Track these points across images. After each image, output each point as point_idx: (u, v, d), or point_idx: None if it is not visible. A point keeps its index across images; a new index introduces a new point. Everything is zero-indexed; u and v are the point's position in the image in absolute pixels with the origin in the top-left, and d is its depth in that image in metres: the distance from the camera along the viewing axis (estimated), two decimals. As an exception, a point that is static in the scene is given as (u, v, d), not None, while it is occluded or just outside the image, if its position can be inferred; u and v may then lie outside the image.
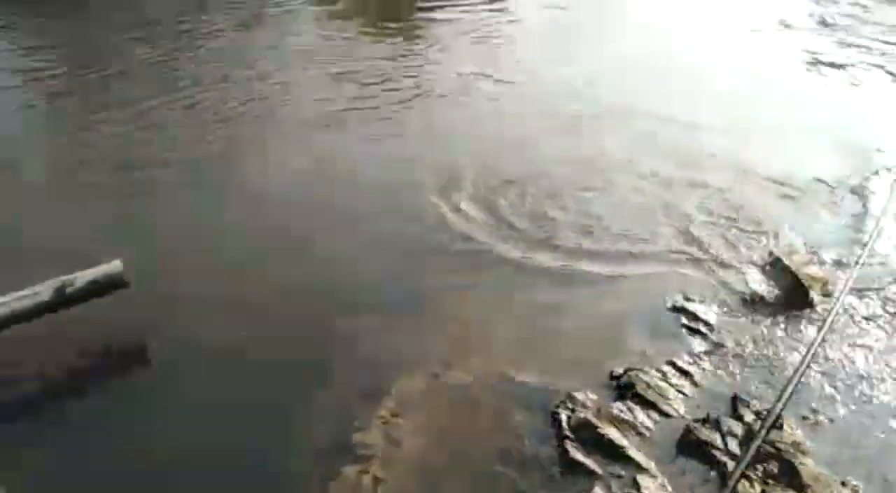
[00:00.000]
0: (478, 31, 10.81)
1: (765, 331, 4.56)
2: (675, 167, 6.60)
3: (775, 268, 4.93)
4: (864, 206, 6.06)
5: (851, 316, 4.68)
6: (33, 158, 6.72)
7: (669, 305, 4.82)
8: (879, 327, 4.59)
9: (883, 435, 3.77)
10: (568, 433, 3.71)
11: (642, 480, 3.46)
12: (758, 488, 3.45)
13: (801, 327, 4.57)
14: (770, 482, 3.48)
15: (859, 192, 6.27)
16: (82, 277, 3.89)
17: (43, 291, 3.77)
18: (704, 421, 3.83)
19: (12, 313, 3.65)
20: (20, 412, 3.74)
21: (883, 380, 4.16)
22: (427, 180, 6.31)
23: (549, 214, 5.84)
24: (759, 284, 4.97)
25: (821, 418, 3.89)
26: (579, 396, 3.95)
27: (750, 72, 9.22)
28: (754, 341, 4.48)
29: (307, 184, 6.31)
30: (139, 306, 4.29)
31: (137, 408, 3.76)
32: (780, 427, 3.74)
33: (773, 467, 3.55)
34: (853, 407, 3.96)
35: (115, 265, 4.03)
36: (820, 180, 6.39)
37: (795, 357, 4.27)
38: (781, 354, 4.36)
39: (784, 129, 7.49)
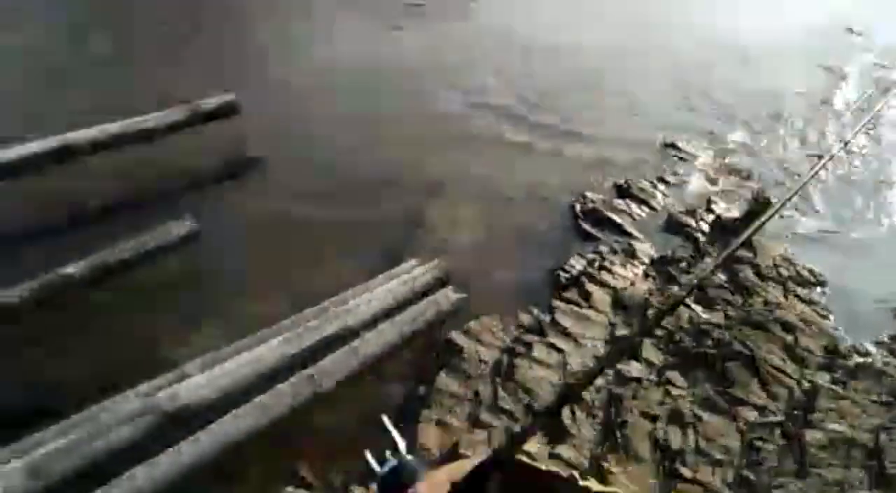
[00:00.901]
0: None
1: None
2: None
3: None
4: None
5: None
6: None
7: (661, 142, 6.03)
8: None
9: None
10: (580, 215, 4.99)
11: (636, 244, 4.75)
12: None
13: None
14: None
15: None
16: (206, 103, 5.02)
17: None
18: (685, 212, 5.11)
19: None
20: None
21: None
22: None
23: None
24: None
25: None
26: (590, 194, 5.20)
27: None
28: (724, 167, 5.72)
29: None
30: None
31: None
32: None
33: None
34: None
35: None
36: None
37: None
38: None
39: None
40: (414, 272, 3.73)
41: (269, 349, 3.11)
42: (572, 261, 4.47)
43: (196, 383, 2.94)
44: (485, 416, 3.32)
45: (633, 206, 5.15)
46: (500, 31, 8.22)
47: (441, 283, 3.73)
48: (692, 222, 4.99)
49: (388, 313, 3.42)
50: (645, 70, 7.45)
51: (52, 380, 3.20)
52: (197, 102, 4.90)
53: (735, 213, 5.07)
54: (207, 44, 7.17)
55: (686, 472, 3.07)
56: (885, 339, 4.07)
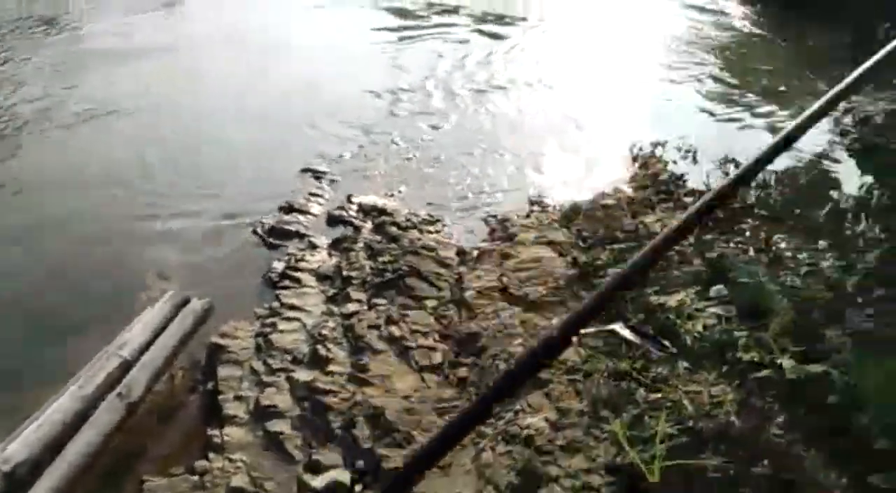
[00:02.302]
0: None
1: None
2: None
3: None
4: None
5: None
6: None
7: (300, 168, 7.57)
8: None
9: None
10: (263, 236, 6.21)
11: (313, 239, 6.16)
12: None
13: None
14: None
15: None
16: None
17: None
18: (338, 208, 6.70)
19: None
20: None
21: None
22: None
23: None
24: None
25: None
26: (265, 219, 6.45)
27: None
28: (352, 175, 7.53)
29: None
30: None
31: None
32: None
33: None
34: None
35: None
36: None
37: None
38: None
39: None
40: (157, 306, 4.51)
41: (69, 397, 3.64)
42: (275, 264, 5.68)
43: (19, 443, 3.35)
44: (267, 378, 4.36)
45: (300, 217, 6.56)
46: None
47: (184, 302, 4.58)
48: (345, 213, 6.62)
49: (156, 336, 4.18)
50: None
51: None
52: None
53: (371, 199, 6.87)
54: None
55: (413, 345, 4.57)
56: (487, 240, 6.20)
